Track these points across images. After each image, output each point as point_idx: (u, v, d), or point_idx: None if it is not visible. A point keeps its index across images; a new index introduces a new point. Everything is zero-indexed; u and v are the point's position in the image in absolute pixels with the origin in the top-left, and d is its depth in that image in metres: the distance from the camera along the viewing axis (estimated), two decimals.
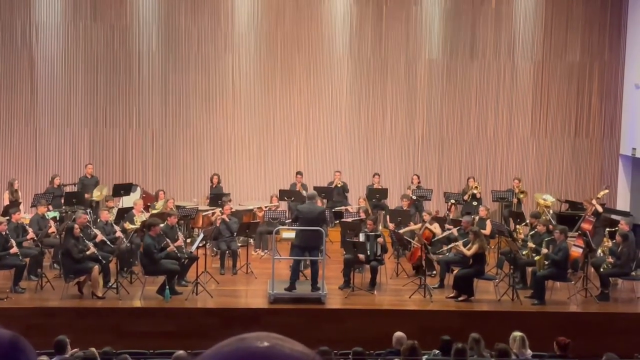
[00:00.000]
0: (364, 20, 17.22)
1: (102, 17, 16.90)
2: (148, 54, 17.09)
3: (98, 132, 17.14)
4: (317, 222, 11.79)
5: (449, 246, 12.52)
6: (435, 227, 13.33)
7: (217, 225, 13.42)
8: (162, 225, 12.21)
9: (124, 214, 13.62)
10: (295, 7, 17.15)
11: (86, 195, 15.15)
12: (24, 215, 12.99)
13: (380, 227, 15.34)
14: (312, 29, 17.24)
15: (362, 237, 12.41)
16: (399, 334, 8.83)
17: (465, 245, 12.03)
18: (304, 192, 16.00)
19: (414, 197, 15.93)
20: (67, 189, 15.75)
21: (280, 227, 13.24)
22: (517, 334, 8.63)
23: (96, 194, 15.45)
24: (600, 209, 14.17)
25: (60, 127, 17.05)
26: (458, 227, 12.98)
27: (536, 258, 11.98)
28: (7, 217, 12.47)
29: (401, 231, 13.42)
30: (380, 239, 12.32)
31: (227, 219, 13.58)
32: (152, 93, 17.17)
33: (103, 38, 16.96)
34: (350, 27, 17.24)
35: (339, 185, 16.30)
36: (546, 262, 11.83)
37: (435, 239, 13.03)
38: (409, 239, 13.17)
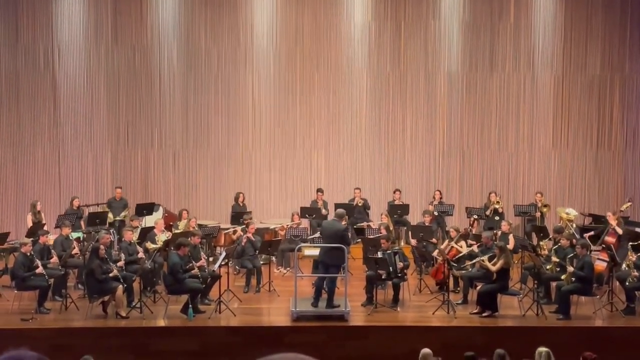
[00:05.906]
0: (383, 36, 17.26)
1: (123, 38, 17.09)
2: (169, 74, 17.23)
3: (120, 152, 17.29)
4: (333, 239, 11.74)
5: (473, 261, 12.42)
6: (462, 246, 13.23)
7: (243, 244, 13.45)
8: None
9: (146, 234, 13.69)
10: (313, 24, 17.23)
11: (110, 215, 15.35)
12: (50, 236, 13.07)
13: (402, 244, 15.32)
14: (331, 46, 17.30)
15: (379, 255, 12.38)
16: (425, 350, 8.76)
17: (490, 260, 11.95)
18: (324, 210, 16.01)
19: (436, 213, 15.87)
20: (92, 209, 15.90)
21: (302, 244, 13.23)
22: (543, 349, 8.53)
23: (122, 214, 15.85)
24: (619, 228, 13.89)
25: (82, 148, 17.21)
26: (479, 244, 12.87)
27: (563, 277, 11.85)
28: (32, 239, 12.57)
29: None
30: (400, 264, 12.18)
31: (252, 238, 13.62)
32: (173, 112, 17.30)
33: (124, 59, 17.13)
34: (369, 43, 17.28)
35: (360, 205, 16.27)
36: (573, 279, 11.71)
37: (459, 255, 12.92)
38: (433, 256, 13.09)
